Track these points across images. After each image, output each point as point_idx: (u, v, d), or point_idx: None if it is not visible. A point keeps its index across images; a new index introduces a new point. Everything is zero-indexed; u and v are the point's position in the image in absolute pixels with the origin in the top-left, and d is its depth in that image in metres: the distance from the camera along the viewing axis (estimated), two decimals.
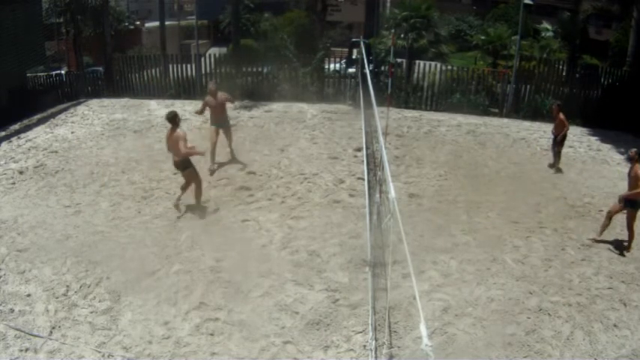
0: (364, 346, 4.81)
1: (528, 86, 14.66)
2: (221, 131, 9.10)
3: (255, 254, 6.37)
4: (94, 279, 5.84)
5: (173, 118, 7.10)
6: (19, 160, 9.79)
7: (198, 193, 7.50)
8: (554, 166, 9.84)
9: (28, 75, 14.67)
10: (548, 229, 7.26)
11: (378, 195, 6.80)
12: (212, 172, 8.90)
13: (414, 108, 14.59)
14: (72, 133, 11.51)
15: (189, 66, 15.65)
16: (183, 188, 7.48)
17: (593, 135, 12.73)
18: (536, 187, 8.79)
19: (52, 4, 20.95)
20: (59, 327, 5.07)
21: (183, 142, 6.99)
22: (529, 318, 5.29)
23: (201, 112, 9.04)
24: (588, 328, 5.17)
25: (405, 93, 14.88)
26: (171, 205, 7.44)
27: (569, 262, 6.41)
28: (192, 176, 7.37)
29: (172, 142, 7.15)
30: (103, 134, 11.38)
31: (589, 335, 5.07)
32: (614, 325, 5.22)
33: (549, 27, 25.04)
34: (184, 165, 7.25)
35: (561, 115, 9.57)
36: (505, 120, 13.85)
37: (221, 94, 8.92)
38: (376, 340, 4.78)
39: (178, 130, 7.08)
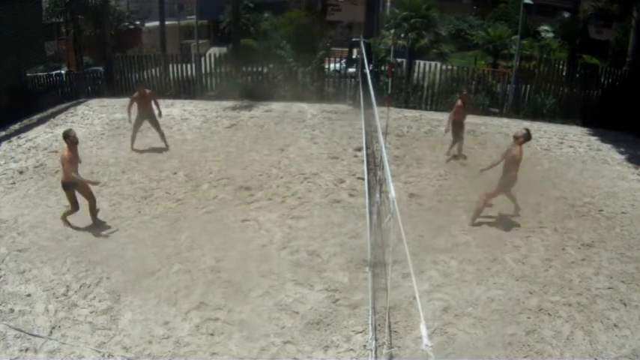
0: (364, 346, 4.81)
1: (528, 86, 14.66)
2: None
3: (255, 254, 6.37)
4: (94, 279, 5.84)
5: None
6: (19, 160, 9.79)
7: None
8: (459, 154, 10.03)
9: (28, 75, 14.67)
10: (548, 229, 7.26)
11: (378, 195, 6.79)
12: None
13: (414, 108, 14.59)
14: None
15: (189, 66, 15.66)
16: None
17: (593, 135, 12.72)
18: (536, 187, 8.79)
19: (52, 4, 20.95)
20: (59, 327, 5.07)
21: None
22: (529, 318, 5.28)
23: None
24: (588, 328, 5.17)
25: (405, 93, 14.88)
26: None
27: (569, 262, 6.41)
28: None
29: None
30: (103, 134, 11.39)
31: (589, 335, 5.07)
32: (615, 325, 5.22)
33: (549, 28, 25.06)
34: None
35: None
36: (505, 120, 13.84)
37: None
38: (376, 340, 4.78)
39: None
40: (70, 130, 7.01)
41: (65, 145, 6.82)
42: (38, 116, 13.01)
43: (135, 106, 9.92)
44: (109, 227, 7.06)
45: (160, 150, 10.15)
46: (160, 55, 18.04)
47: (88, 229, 7.00)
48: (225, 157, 9.82)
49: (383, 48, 15.44)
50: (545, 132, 12.68)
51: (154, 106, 10.06)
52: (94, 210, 7.08)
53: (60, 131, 11.47)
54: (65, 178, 6.76)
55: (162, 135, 10.21)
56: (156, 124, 10.12)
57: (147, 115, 9.98)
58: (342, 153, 10.09)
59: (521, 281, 5.92)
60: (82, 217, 7.28)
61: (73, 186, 6.83)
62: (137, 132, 10.17)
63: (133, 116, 10.01)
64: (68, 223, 7.02)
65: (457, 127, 9.84)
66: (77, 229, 7.00)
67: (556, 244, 6.86)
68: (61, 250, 6.43)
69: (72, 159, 6.73)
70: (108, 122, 12.35)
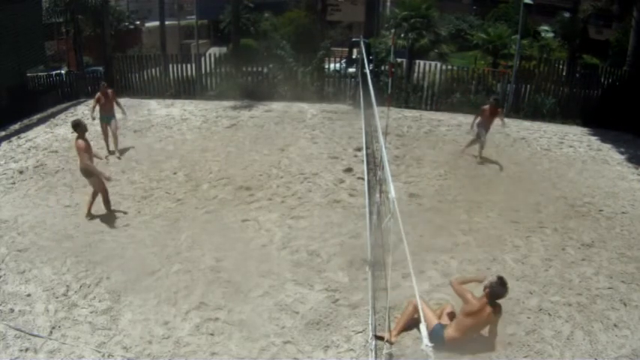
0: (364, 346, 4.81)
1: (528, 86, 14.66)
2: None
3: (255, 254, 6.37)
4: (94, 279, 5.84)
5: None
6: (19, 160, 9.79)
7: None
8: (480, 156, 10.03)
9: (28, 75, 14.66)
10: (548, 229, 7.26)
11: (378, 195, 6.79)
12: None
13: (414, 108, 14.58)
14: (72, 132, 11.48)
15: (189, 66, 15.66)
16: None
17: (593, 135, 12.72)
18: (536, 187, 8.79)
19: (52, 4, 20.92)
20: (59, 327, 5.07)
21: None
22: (529, 318, 5.28)
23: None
24: (588, 328, 5.17)
25: (405, 93, 14.87)
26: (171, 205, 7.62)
27: (569, 262, 6.41)
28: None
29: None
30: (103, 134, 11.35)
31: (589, 335, 5.07)
32: (614, 325, 5.22)
33: (549, 28, 25.05)
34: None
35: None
36: (505, 120, 13.81)
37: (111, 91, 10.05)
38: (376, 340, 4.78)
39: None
40: (81, 119, 7.43)
41: (77, 134, 7.05)
42: (38, 116, 13.01)
43: (102, 106, 9.83)
44: (109, 227, 7.06)
45: (160, 150, 10.15)
46: (160, 55, 18.04)
47: (88, 229, 7.00)
48: (225, 157, 9.82)
49: (383, 48, 15.44)
50: (545, 132, 12.68)
51: (116, 107, 10.00)
52: (108, 202, 7.35)
53: (60, 131, 11.56)
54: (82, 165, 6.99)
55: (115, 139, 9.97)
56: (114, 126, 9.95)
57: (108, 116, 9.87)
58: (342, 153, 10.09)
59: (521, 281, 5.92)
60: (82, 216, 7.31)
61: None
62: (107, 134, 10.05)
63: (96, 114, 9.94)
64: (90, 212, 7.29)
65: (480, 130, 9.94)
66: (77, 227, 7.01)
67: (556, 244, 6.86)
68: (61, 250, 6.43)
69: (86, 147, 6.96)
70: None
